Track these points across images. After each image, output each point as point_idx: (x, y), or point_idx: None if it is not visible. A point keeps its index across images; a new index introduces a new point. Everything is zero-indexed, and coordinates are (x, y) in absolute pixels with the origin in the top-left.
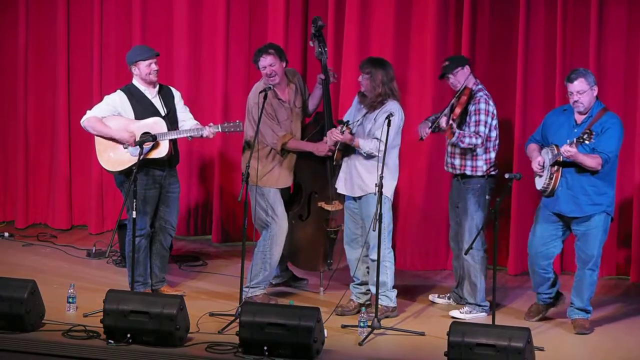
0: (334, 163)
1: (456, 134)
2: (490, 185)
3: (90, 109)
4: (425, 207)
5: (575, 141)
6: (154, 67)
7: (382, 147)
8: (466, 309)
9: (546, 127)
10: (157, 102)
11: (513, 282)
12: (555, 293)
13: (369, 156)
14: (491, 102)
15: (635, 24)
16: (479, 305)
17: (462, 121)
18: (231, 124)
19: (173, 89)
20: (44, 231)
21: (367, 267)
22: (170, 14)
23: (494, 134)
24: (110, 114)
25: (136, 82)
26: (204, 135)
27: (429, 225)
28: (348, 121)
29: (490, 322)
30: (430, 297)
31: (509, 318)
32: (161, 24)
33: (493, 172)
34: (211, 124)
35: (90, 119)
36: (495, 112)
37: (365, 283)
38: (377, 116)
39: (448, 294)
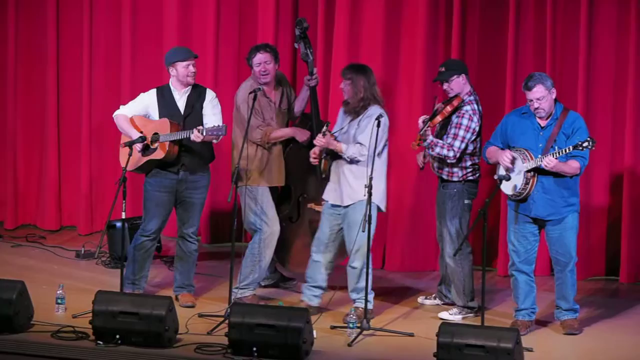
0: (322, 175)
1: (428, 140)
2: (470, 190)
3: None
4: (415, 209)
5: (559, 151)
6: (192, 68)
7: (365, 152)
8: (455, 310)
9: (507, 132)
10: (181, 103)
11: (502, 283)
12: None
13: (352, 161)
14: (475, 119)
15: (624, 22)
16: (467, 307)
17: (443, 127)
18: (214, 127)
19: (208, 90)
20: (33, 232)
21: (329, 273)
22: (160, 17)
23: (471, 147)
24: (138, 112)
25: (172, 82)
26: (192, 139)
27: (418, 226)
28: (328, 122)
29: (480, 323)
30: (419, 299)
31: (498, 319)
32: (151, 26)
33: (471, 177)
34: (200, 127)
35: (118, 116)
36: (477, 127)
37: (321, 287)
38: (360, 121)
39: (434, 294)
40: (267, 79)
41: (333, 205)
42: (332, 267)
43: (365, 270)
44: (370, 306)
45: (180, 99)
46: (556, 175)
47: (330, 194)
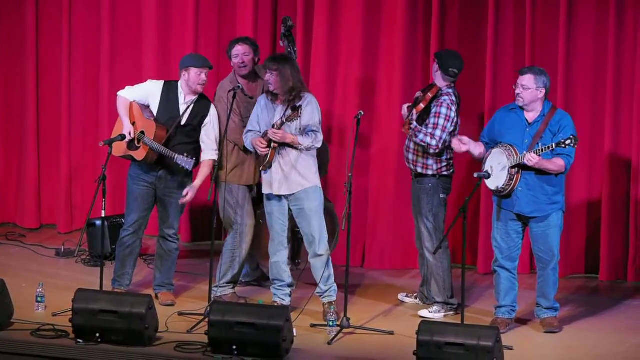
0: (261, 169)
1: (412, 127)
2: (444, 185)
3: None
4: (395, 206)
5: (542, 148)
6: (204, 77)
7: (321, 138)
8: (435, 308)
9: (495, 126)
10: (183, 108)
11: (482, 281)
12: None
13: (309, 149)
14: (454, 109)
15: (603, 21)
16: (448, 304)
17: (423, 117)
18: (186, 160)
19: (212, 109)
20: (13, 230)
21: (291, 267)
22: (139, 12)
23: (448, 137)
24: (139, 98)
25: (181, 84)
26: (179, 164)
27: (398, 224)
28: (300, 106)
29: (459, 321)
30: (399, 296)
31: (478, 317)
32: (130, 21)
33: (445, 172)
34: (186, 156)
35: (120, 97)
36: (455, 118)
37: (289, 284)
38: (300, 110)
39: (415, 294)
40: (245, 72)
41: (279, 198)
42: (289, 261)
43: (329, 256)
44: (334, 297)
45: (184, 105)
46: (539, 172)
47: (275, 185)
